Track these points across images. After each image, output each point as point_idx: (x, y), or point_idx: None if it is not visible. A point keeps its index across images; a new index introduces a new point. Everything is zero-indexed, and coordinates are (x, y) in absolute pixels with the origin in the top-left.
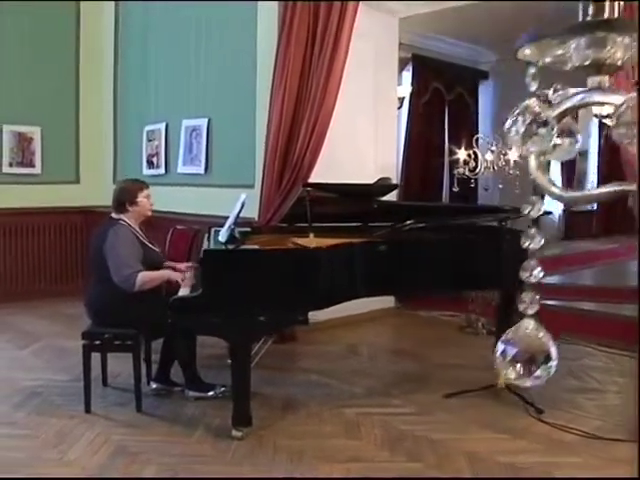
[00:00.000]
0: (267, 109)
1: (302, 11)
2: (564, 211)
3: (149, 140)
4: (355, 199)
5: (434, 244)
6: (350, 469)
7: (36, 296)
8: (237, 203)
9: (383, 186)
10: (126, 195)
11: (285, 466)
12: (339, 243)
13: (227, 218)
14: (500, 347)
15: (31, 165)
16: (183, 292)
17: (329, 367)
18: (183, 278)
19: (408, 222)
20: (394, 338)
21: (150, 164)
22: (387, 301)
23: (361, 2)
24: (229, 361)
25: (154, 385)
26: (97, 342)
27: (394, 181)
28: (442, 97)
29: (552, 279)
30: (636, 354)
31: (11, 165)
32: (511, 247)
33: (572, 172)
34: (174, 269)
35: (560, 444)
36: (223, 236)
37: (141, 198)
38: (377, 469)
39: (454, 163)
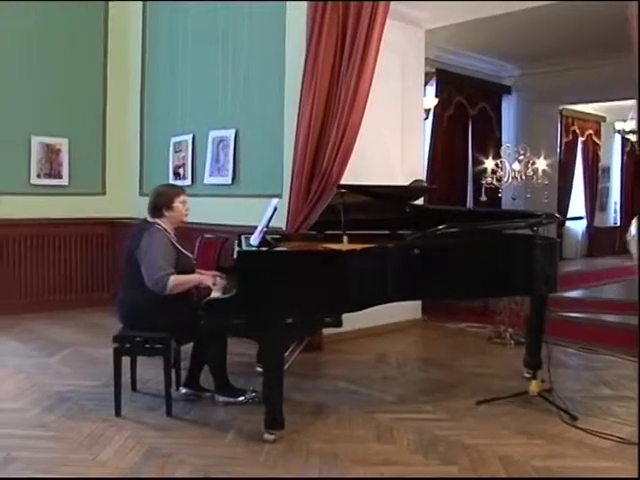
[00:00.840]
0: (295, 119)
1: (330, 21)
2: (587, 228)
3: (176, 151)
4: (388, 203)
5: (466, 248)
6: (384, 472)
7: (62, 306)
8: (269, 208)
9: (419, 188)
10: (163, 199)
11: (319, 468)
12: (372, 246)
13: (256, 227)
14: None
15: (59, 176)
16: (215, 296)
17: (357, 375)
18: (214, 282)
19: (440, 226)
20: (422, 348)
21: (177, 175)
22: (413, 312)
23: (388, 14)
24: (258, 369)
25: (183, 390)
26: (128, 345)
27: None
28: (466, 111)
29: (575, 293)
30: None
31: (39, 176)
32: (543, 252)
33: (595, 190)
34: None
35: (595, 449)
36: (255, 240)
37: (177, 203)
38: (412, 472)
39: (481, 173)
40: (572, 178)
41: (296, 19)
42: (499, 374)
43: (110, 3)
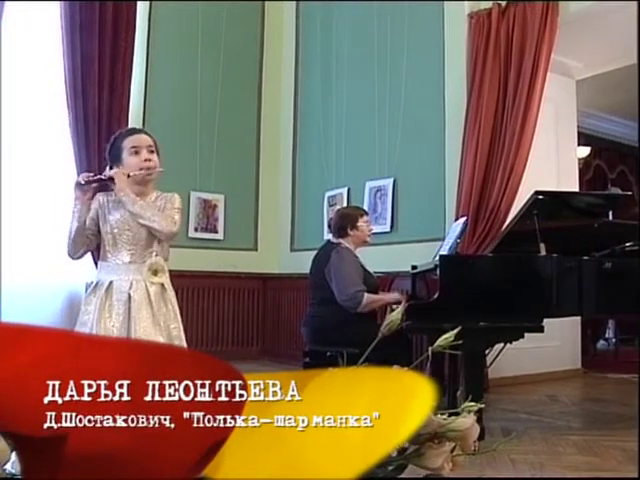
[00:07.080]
0: (457, 163)
1: (492, 69)
2: None
3: (330, 205)
4: (578, 222)
5: None
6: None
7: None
8: (455, 226)
9: (622, 195)
10: (348, 219)
11: (529, 473)
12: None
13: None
14: None
15: (214, 231)
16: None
17: (534, 409)
18: (403, 295)
19: (628, 244)
20: (591, 390)
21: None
22: (572, 362)
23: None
24: None
25: None
26: (319, 361)
27: None
28: (605, 175)
29: None
30: None
31: (196, 230)
32: None
33: None
34: None
35: None
36: (445, 251)
37: (361, 223)
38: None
39: None
40: None
41: (455, 65)
42: None
43: (264, 62)
